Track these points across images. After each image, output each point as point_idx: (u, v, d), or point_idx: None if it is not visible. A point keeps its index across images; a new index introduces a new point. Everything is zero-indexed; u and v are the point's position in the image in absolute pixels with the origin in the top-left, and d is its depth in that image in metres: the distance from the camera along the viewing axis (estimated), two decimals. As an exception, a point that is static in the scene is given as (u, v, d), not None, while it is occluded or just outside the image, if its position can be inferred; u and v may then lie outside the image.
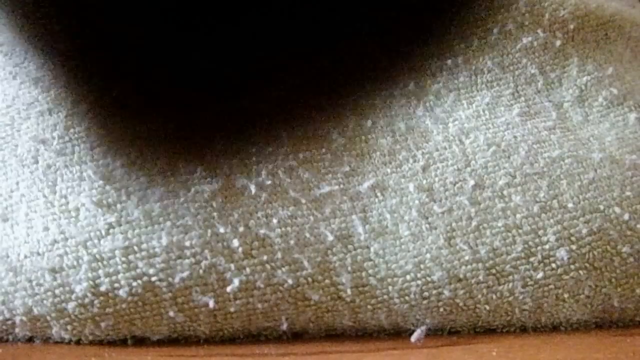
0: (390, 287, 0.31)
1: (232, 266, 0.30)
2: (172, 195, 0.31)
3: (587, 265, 0.32)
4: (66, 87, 0.33)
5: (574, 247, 0.32)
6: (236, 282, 0.30)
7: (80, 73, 0.33)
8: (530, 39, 0.37)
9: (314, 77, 0.36)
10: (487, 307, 0.32)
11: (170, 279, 0.30)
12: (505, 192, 0.33)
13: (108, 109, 0.32)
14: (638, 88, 0.37)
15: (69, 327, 0.30)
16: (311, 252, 0.31)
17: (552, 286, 0.32)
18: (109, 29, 0.34)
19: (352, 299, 0.31)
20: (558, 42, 0.37)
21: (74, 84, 0.33)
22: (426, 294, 0.31)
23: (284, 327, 0.31)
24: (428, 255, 0.32)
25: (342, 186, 0.33)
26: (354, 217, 0.32)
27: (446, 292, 0.31)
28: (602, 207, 0.32)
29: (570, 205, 0.32)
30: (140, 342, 0.31)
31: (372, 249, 0.32)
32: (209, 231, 0.31)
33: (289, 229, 0.31)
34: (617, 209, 0.32)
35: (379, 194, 0.33)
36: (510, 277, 0.32)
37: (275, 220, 0.31)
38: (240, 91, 0.35)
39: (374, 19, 0.37)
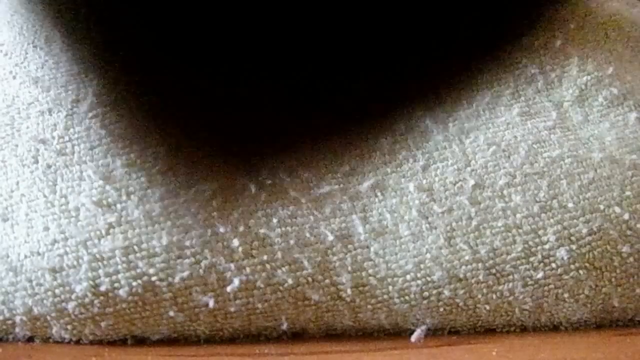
0: (390, 287, 0.31)
1: (232, 266, 0.30)
2: (172, 194, 0.31)
3: (587, 265, 0.32)
4: (65, 87, 0.33)
5: (574, 247, 0.32)
6: (236, 281, 0.30)
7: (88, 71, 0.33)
8: (530, 38, 0.37)
9: (313, 78, 0.36)
10: (487, 307, 0.32)
11: (170, 279, 0.30)
12: (505, 192, 0.33)
13: (110, 108, 0.32)
14: (638, 88, 0.37)
15: (69, 327, 0.30)
16: (311, 251, 0.31)
17: (552, 286, 0.32)
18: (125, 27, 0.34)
19: (352, 299, 0.31)
20: (558, 42, 0.37)
21: (76, 83, 0.33)
22: (426, 293, 0.31)
23: (284, 327, 0.31)
24: (428, 255, 0.32)
25: (342, 186, 0.33)
26: (354, 216, 0.32)
27: (446, 292, 0.31)
28: (602, 207, 0.32)
29: (570, 205, 0.32)
30: (140, 342, 0.31)
31: (372, 249, 0.32)
32: (209, 231, 0.31)
33: (289, 228, 0.31)
34: (617, 209, 0.32)
35: (378, 194, 0.33)
36: (510, 277, 0.32)
37: (275, 220, 0.31)
38: (240, 93, 0.35)
39: (375, 21, 0.37)
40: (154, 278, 0.30)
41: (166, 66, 0.35)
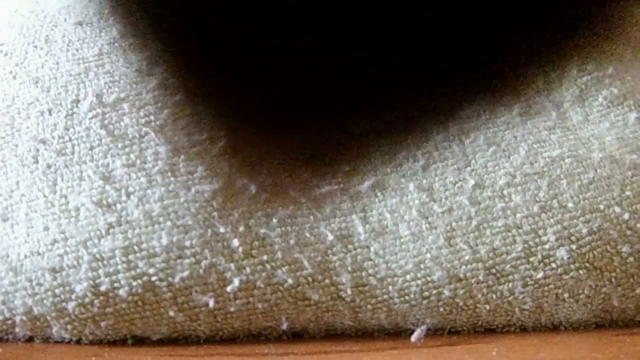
0: (390, 287, 0.31)
1: (232, 266, 0.30)
2: (172, 195, 0.31)
3: (587, 265, 0.32)
4: (65, 87, 0.33)
5: (574, 247, 0.32)
6: (236, 281, 0.30)
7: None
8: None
9: (313, 77, 0.36)
10: (487, 307, 0.32)
11: (170, 279, 0.30)
12: (505, 192, 0.33)
13: (110, 108, 0.32)
14: (638, 88, 0.37)
15: (69, 327, 0.31)
16: (311, 251, 0.31)
17: (552, 286, 0.32)
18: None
19: (352, 299, 0.31)
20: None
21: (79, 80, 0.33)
22: (426, 293, 0.31)
23: (284, 326, 0.31)
24: (428, 255, 0.32)
25: (342, 186, 0.33)
26: (353, 216, 0.32)
27: (446, 292, 0.31)
28: (602, 207, 0.32)
29: (570, 205, 0.32)
30: (140, 342, 0.31)
31: (372, 249, 0.32)
32: (209, 231, 0.31)
33: (289, 228, 0.31)
34: (617, 209, 0.32)
35: (378, 194, 0.33)
36: (511, 277, 0.32)
37: (275, 220, 0.31)
38: (239, 91, 0.35)
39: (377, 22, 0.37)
40: (154, 278, 0.30)
41: (166, 66, 0.35)
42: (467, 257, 0.31)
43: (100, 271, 0.30)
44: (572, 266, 0.32)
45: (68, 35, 0.35)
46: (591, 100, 0.36)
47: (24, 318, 0.30)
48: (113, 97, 0.33)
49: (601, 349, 0.31)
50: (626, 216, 0.32)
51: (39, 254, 0.30)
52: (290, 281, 0.31)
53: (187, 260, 0.30)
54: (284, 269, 0.31)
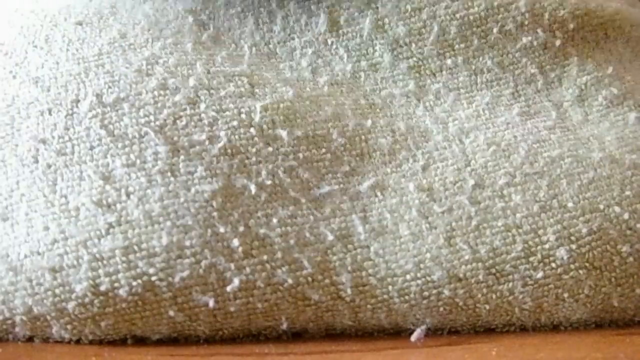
0: (390, 287, 0.31)
1: (232, 266, 0.30)
2: (171, 194, 0.31)
3: (587, 265, 0.32)
4: (65, 87, 0.33)
5: (573, 246, 0.32)
6: (236, 281, 0.30)
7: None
8: (530, 38, 0.37)
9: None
10: (487, 307, 0.32)
11: (170, 279, 0.30)
12: (505, 192, 0.33)
13: (110, 108, 0.32)
14: (638, 88, 0.37)
15: (69, 327, 0.31)
16: (311, 251, 0.31)
17: (552, 286, 0.32)
18: None
19: (352, 299, 0.31)
20: (558, 42, 0.37)
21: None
22: (426, 293, 0.31)
23: (284, 326, 0.31)
24: (428, 255, 0.32)
25: (342, 186, 0.33)
26: (353, 216, 0.32)
27: (446, 292, 0.31)
28: (602, 207, 0.32)
29: (570, 204, 0.32)
30: (140, 341, 0.31)
31: (372, 249, 0.32)
32: (209, 231, 0.31)
33: (289, 228, 0.31)
34: (617, 209, 0.32)
35: (378, 194, 0.33)
36: (510, 277, 0.32)
37: (275, 220, 0.31)
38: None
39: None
40: (154, 278, 0.30)
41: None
42: (466, 257, 0.32)
43: (100, 271, 0.30)
44: (572, 266, 0.32)
45: (68, 35, 0.35)
46: (591, 100, 0.36)
47: (24, 318, 0.30)
48: (113, 97, 0.33)
49: (601, 349, 0.31)
50: (626, 216, 0.32)
51: (39, 253, 0.30)
52: (290, 281, 0.31)
53: (187, 260, 0.30)
54: (284, 269, 0.31)
